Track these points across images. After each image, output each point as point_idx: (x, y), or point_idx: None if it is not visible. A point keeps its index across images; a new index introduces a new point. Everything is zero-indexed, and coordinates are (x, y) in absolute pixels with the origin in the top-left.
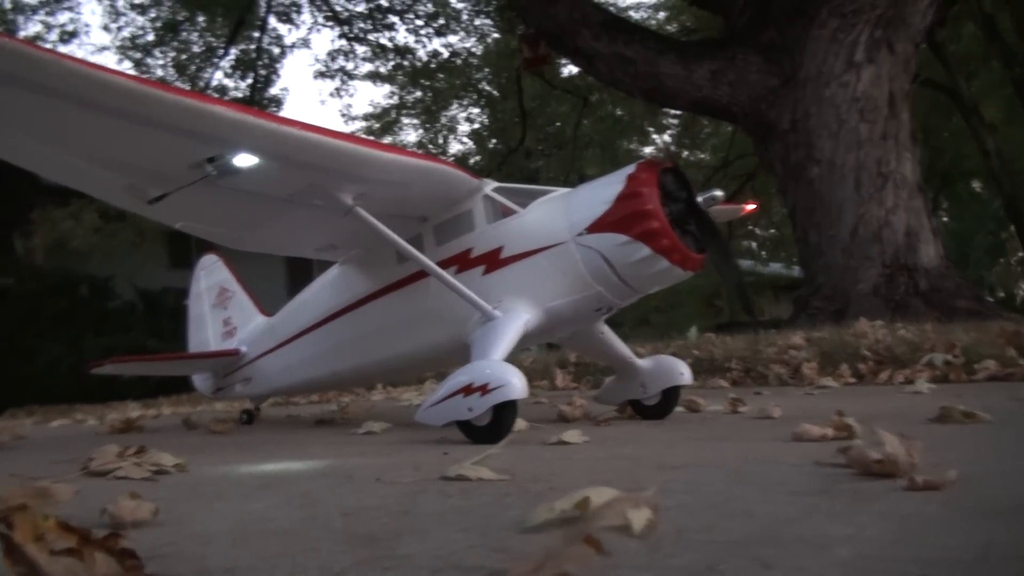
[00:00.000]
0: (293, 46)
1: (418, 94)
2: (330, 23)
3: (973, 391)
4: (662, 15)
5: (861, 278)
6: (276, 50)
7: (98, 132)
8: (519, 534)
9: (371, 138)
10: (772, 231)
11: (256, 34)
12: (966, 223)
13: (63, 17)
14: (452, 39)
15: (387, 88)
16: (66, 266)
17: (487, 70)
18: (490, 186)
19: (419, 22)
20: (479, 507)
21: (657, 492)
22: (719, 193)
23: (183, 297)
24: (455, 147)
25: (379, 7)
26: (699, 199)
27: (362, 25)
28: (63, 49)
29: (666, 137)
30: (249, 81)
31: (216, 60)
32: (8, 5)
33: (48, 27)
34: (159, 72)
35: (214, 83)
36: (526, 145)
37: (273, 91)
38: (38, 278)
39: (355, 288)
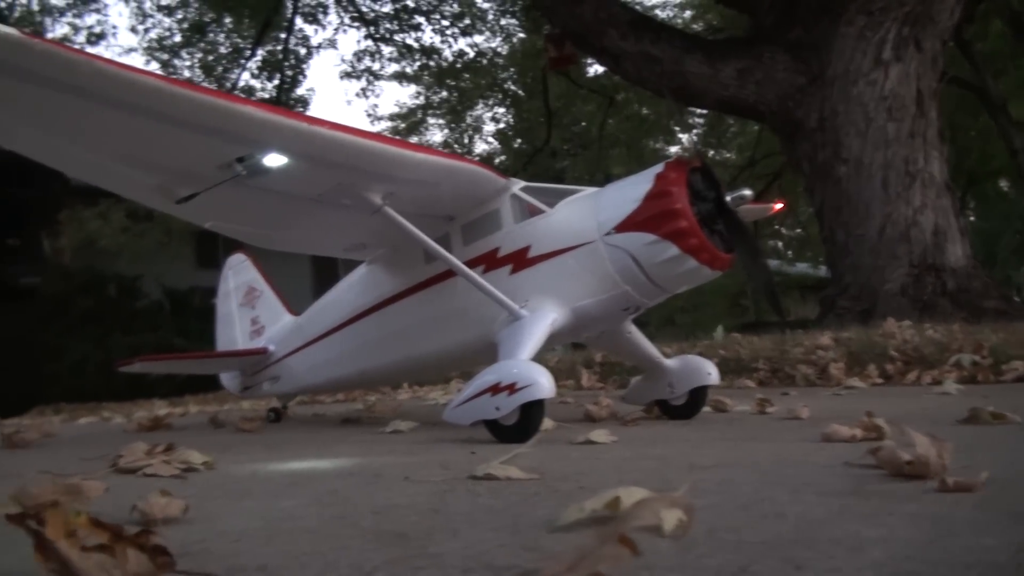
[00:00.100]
0: (319, 47)
1: (444, 94)
2: (356, 24)
3: (1001, 392)
4: (688, 14)
5: (888, 278)
6: (302, 51)
7: (128, 132)
8: (550, 533)
9: (398, 138)
10: (798, 230)
11: (283, 35)
12: (993, 223)
13: (90, 19)
14: (478, 39)
15: (413, 88)
16: (94, 266)
17: (512, 70)
18: (518, 185)
19: (445, 22)
20: (509, 506)
21: (688, 492)
22: (748, 192)
23: (210, 296)
24: (480, 147)
25: (405, 7)
26: (728, 198)
27: (388, 25)
28: (91, 51)
29: (692, 136)
30: (276, 82)
31: (243, 61)
32: (36, 7)
33: (76, 29)
34: (186, 73)
35: (241, 84)
36: (552, 145)
37: (299, 91)
38: (66, 277)
39: (383, 287)
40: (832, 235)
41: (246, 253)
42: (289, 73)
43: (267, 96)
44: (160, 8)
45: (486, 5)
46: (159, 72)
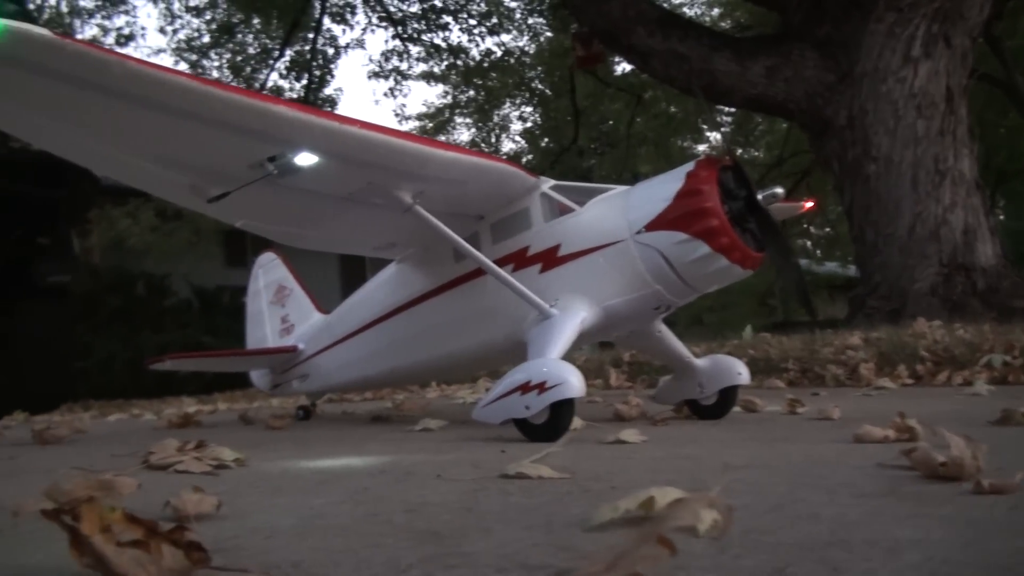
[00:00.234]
0: (347, 47)
1: (471, 93)
2: (384, 24)
3: None
4: (716, 11)
5: (918, 277)
6: (330, 51)
7: (160, 132)
8: (584, 533)
9: (427, 137)
10: (827, 229)
11: (311, 35)
12: (1023, 222)
13: (119, 20)
14: (505, 38)
15: (440, 88)
16: (123, 264)
17: (540, 69)
18: (547, 184)
19: (472, 21)
20: (541, 505)
21: (721, 493)
22: (780, 191)
23: (239, 295)
24: (508, 146)
25: (433, 7)
26: (759, 196)
27: (416, 25)
28: (121, 52)
29: (723, 134)
30: (304, 82)
31: (271, 61)
32: (65, 9)
33: (105, 30)
34: (215, 74)
35: (269, 84)
36: (579, 143)
37: (327, 91)
38: (95, 276)
39: (412, 286)
40: (861, 234)
41: (276, 252)
42: (317, 73)
43: (295, 96)
44: (188, 9)
45: (513, 4)
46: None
